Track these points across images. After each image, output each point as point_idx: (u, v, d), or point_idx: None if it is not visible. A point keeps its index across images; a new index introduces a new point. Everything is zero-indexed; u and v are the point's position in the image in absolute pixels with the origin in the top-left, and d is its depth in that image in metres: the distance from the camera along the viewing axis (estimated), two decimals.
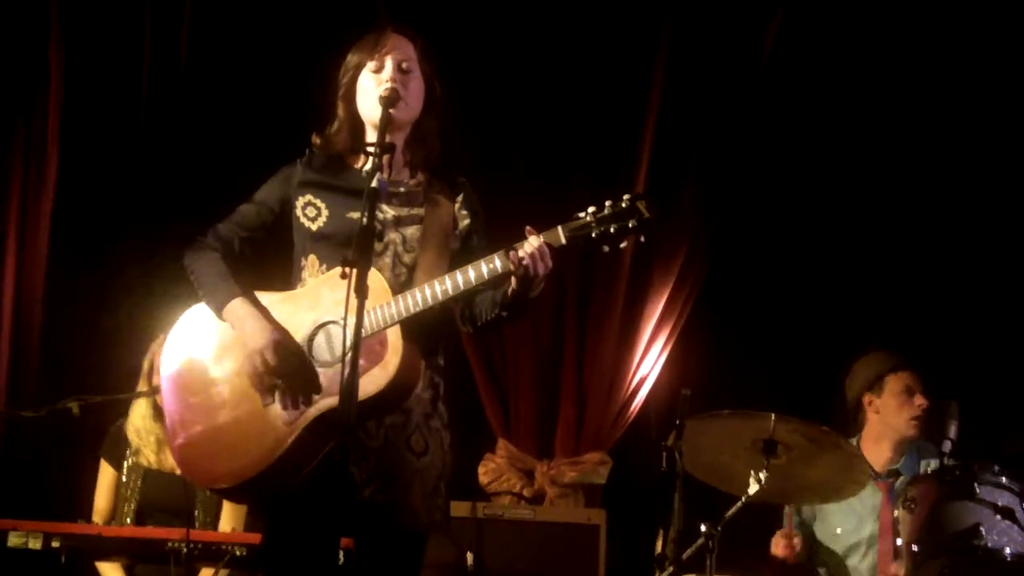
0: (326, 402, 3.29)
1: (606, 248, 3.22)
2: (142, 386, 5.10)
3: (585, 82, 6.33)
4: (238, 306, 3.41)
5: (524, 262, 3.20)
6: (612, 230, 3.18)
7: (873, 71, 6.24)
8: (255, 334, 3.35)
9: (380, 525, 3.38)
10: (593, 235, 3.20)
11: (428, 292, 3.27)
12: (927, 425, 5.12)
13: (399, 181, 3.55)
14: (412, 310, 3.27)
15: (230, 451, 3.39)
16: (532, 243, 3.22)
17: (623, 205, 3.19)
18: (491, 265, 3.25)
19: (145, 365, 5.12)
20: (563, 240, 3.22)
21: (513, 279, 3.25)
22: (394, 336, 3.26)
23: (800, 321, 6.23)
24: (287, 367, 3.32)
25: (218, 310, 3.44)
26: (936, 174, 6.20)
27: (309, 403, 3.31)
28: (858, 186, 6.29)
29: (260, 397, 3.37)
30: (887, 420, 5.19)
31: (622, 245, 3.21)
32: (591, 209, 3.21)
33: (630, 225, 3.18)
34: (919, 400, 5.15)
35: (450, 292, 3.27)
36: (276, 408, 3.35)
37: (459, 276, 3.27)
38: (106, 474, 5.16)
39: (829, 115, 6.29)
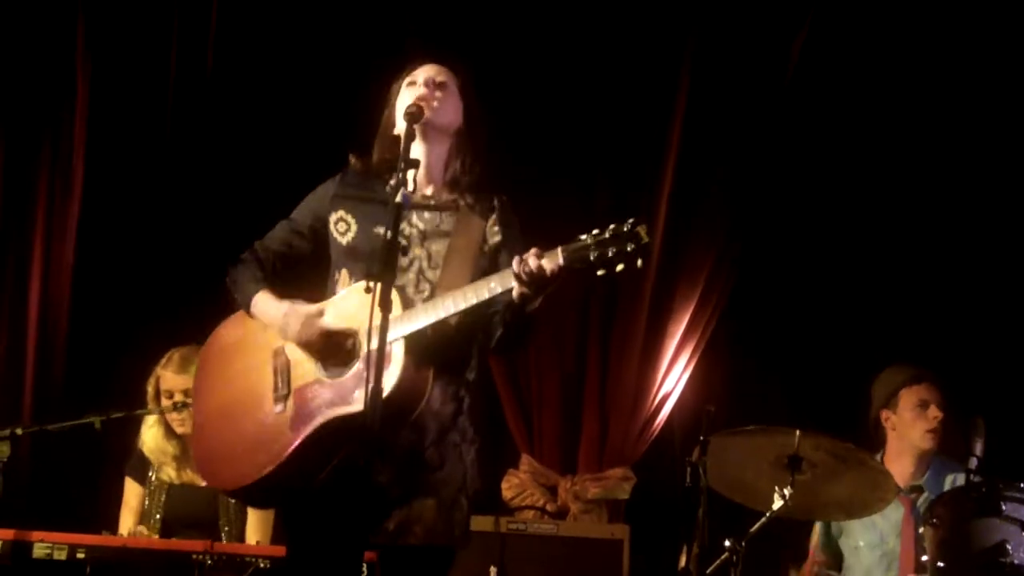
0: (333, 411, 3.33)
1: (600, 272, 3.20)
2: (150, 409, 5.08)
3: (610, 97, 6.34)
4: (261, 298, 3.51)
5: (524, 271, 3.19)
6: (610, 254, 3.15)
7: (898, 88, 6.23)
8: (273, 319, 3.46)
9: (398, 540, 3.38)
10: (591, 257, 3.17)
11: (431, 310, 3.30)
12: (946, 438, 5.10)
13: (430, 196, 3.58)
14: (416, 327, 3.29)
15: (239, 454, 3.47)
16: (546, 263, 3.20)
17: (624, 229, 3.17)
18: (490, 285, 3.27)
19: (150, 388, 5.09)
20: (560, 261, 3.20)
21: (515, 289, 3.25)
22: (398, 352, 3.28)
23: (824, 337, 6.21)
24: (306, 335, 3.40)
25: (246, 305, 3.54)
26: (963, 191, 6.17)
27: (347, 363, 3.35)
28: (882, 202, 6.28)
29: (272, 403, 3.43)
30: (904, 435, 5.16)
31: (618, 268, 3.18)
32: (593, 231, 3.20)
33: (628, 249, 3.15)
34: (933, 412, 5.11)
35: (451, 310, 3.28)
36: (285, 415, 3.40)
37: (460, 295, 3.29)
38: (132, 491, 5.12)
39: (854, 131, 6.28)
